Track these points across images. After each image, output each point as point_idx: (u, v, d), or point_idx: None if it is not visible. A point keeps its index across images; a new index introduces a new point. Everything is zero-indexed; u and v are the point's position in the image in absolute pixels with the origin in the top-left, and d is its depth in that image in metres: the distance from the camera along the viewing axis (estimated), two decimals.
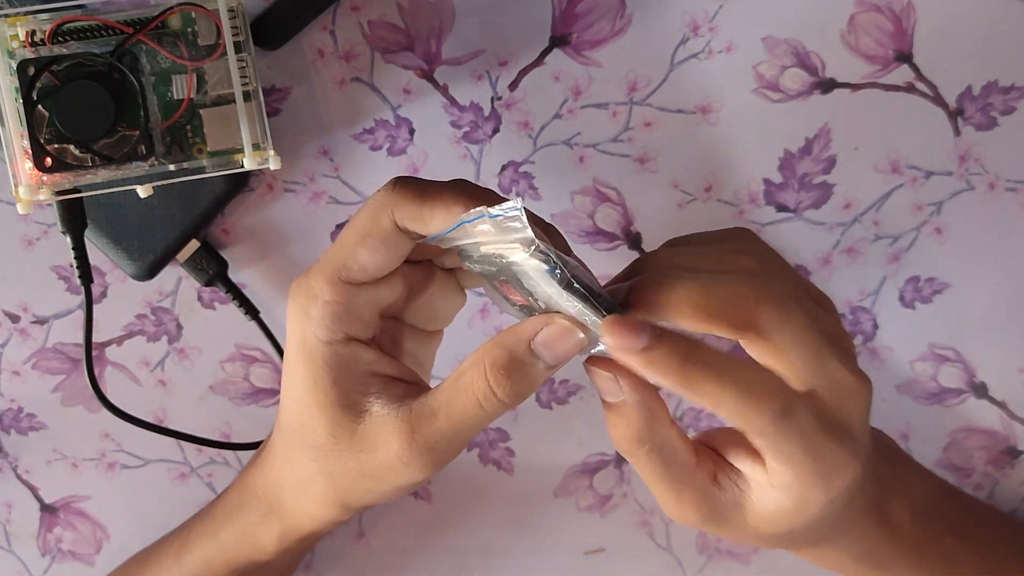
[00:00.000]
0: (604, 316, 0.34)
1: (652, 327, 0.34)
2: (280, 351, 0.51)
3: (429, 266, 0.42)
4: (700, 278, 0.35)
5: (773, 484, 0.37)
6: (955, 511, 0.49)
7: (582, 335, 0.36)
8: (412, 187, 0.37)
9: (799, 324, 0.35)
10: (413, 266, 0.41)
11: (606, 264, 0.51)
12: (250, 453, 0.53)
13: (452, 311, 0.44)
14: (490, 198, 0.36)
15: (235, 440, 0.53)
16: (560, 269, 0.34)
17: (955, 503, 0.50)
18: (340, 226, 0.51)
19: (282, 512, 0.44)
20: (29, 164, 0.42)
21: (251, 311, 0.51)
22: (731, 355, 0.35)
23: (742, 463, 0.38)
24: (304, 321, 0.39)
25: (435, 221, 0.37)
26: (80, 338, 0.50)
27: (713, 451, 0.39)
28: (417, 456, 0.38)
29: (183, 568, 0.47)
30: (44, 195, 0.43)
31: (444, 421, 0.37)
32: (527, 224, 0.33)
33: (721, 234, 0.40)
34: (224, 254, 0.51)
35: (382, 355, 0.40)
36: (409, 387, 0.40)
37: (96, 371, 0.50)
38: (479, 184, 0.39)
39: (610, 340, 0.34)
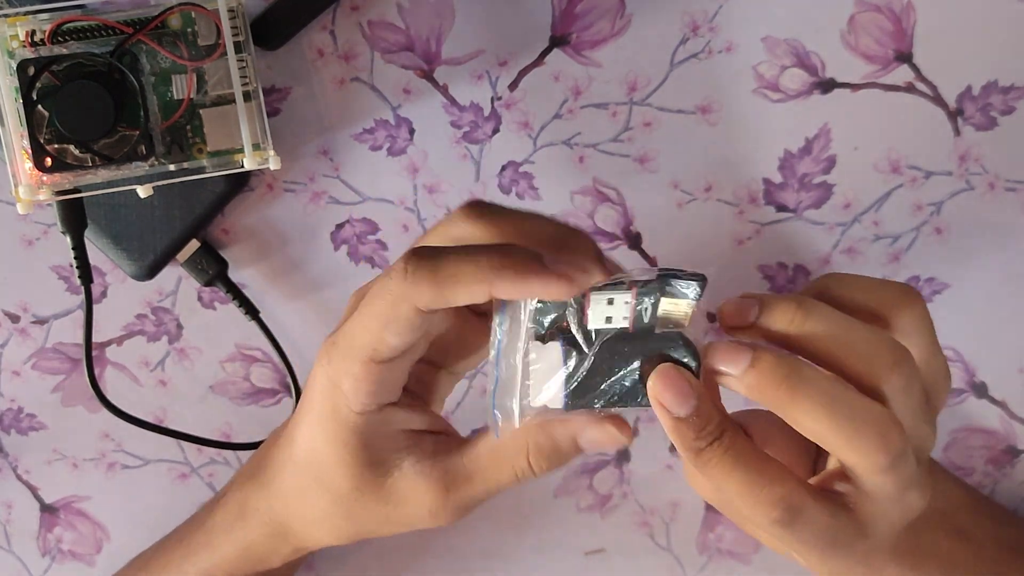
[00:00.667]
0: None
1: (750, 346, 0.34)
2: (280, 351, 0.51)
3: (462, 313, 0.40)
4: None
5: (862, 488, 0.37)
6: (956, 508, 0.49)
7: (623, 437, 0.37)
8: (427, 273, 0.35)
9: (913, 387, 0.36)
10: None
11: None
12: (250, 453, 0.53)
13: (483, 354, 0.43)
14: (510, 271, 0.34)
15: (235, 440, 0.53)
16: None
17: (954, 498, 0.50)
18: (340, 226, 0.51)
19: (290, 535, 0.44)
20: (29, 164, 0.42)
21: (251, 311, 0.51)
22: (836, 377, 0.35)
23: (846, 487, 0.38)
24: (334, 392, 0.38)
25: (459, 299, 0.35)
26: (80, 338, 0.50)
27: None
28: (450, 513, 0.39)
29: None
30: (44, 195, 0.43)
31: (480, 487, 0.39)
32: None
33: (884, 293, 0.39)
34: (224, 254, 0.51)
35: (411, 411, 0.40)
36: (438, 439, 0.40)
37: (96, 371, 0.50)
38: (490, 207, 0.38)
39: (713, 363, 0.35)
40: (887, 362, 0.35)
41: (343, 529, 0.41)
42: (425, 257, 0.35)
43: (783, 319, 0.35)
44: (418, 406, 0.40)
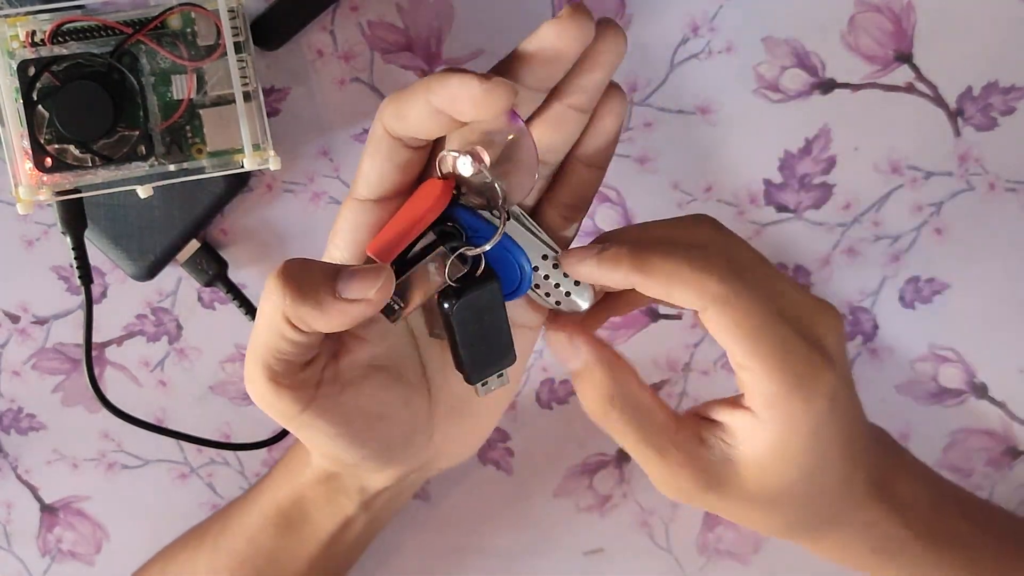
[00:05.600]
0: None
1: (597, 242, 0.37)
2: None
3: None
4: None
5: (754, 409, 0.37)
6: (963, 499, 0.49)
7: (386, 283, 0.34)
8: (399, 89, 0.35)
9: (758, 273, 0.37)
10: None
11: None
12: (251, 453, 0.53)
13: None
14: (442, 76, 0.33)
15: (235, 440, 0.53)
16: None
17: (960, 492, 0.50)
18: None
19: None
20: (29, 164, 0.42)
21: (251, 311, 0.51)
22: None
23: (723, 414, 0.38)
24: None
25: (411, 115, 0.34)
26: (80, 338, 0.50)
27: (695, 416, 0.40)
28: (266, 382, 0.37)
29: (244, 513, 0.48)
30: (44, 195, 0.43)
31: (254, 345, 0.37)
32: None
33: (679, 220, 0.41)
34: (224, 254, 0.51)
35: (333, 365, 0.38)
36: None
37: (96, 371, 0.50)
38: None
39: (568, 260, 0.37)
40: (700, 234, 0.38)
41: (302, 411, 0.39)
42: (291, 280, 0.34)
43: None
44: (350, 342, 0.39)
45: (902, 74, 0.50)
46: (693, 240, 0.37)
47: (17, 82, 0.41)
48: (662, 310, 0.52)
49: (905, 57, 0.50)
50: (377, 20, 0.49)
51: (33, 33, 0.42)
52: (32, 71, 0.41)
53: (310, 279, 0.34)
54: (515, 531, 0.54)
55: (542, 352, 0.53)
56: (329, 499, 0.46)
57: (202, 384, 0.53)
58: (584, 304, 0.39)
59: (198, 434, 0.51)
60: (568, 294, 0.38)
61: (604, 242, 0.38)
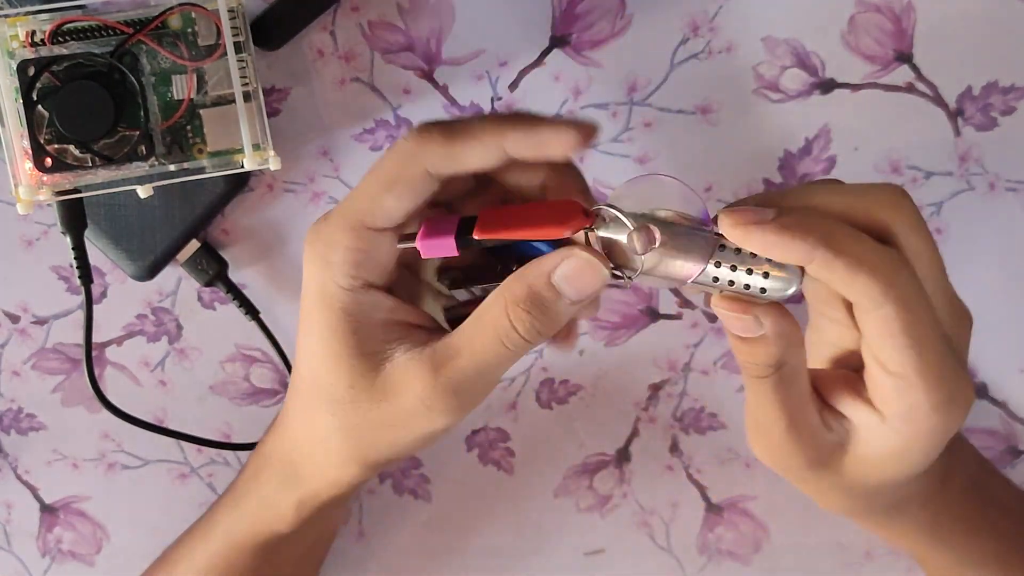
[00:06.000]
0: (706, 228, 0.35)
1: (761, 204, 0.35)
2: (280, 351, 0.51)
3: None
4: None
5: (888, 414, 0.36)
6: (999, 486, 0.49)
7: (605, 270, 0.35)
8: (440, 129, 0.36)
9: (929, 245, 0.36)
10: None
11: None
12: (250, 453, 0.53)
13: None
14: (523, 124, 0.36)
15: (235, 440, 0.53)
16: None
17: (998, 478, 0.50)
18: None
19: (299, 477, 0.42)
20: (29, 164, 0.42)
21: (251, 311, 0.51)
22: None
23: (848, 407, 0.37)
24: (323, 268, 0.38)
25: (470, 160, 0.36)
26: (80, 338, 0.50)
27: (817, 396, 0.38)
28: (440, 398, 0.37)
29: (209, 545, 0.46)
30: (44, 195, 0.43)
31: (467, 360, 0.36)
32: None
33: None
34: (224, 254, 0.51)
35: (402, 303, 0.39)
36: (431, 333, 0.39)
37: (96, 371, 0.50)
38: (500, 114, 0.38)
39: (733, 221, 0.34)
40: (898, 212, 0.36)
41: (347, 450, 0.40)
42: (436, 122, 0.36)
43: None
44: (408, 301, 0.39)
45: (902, 74, 0.50)
46: (878, 219, 0.35)
47: (17, 82, 0.41)
48: (662, 309, 0.52)
49: (905, 57, 0.50)
50: (377, 20, 0.49)
51: (33, 33, 0.42)
52: (32, 71, 0.41)
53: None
54: (515, 531, 0.54)
55: (542, 352, 0.53)
56: (315, 519, 0.44)
57: (202, 384, 0.53)
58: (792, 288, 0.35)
59: (198, 434, 0.51)
60: (766, 275, 0.35)
61: (770, 205, 0.35)
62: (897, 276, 0.34)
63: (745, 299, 0.35)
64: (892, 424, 0.36)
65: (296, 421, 0.42)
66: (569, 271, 0.35)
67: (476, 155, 0.35)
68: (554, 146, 0.35)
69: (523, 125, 0.35)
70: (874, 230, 0.35)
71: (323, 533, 0.49)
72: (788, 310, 0.36)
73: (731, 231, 0.34)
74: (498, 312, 0.36)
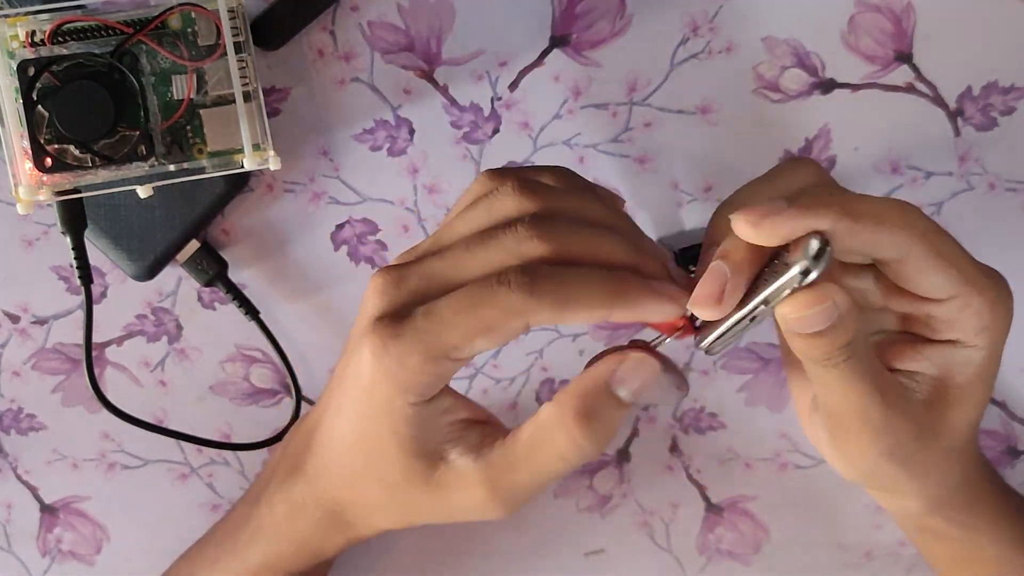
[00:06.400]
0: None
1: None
2: (280, 351, 0.51)
3: None
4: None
5: (964, 337, 0.37)
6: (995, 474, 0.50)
7: (655, 360, 0.36)
8: (551, 292, 0.35)
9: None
10: None
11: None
12: (250, 453, 0.53)
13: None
14: (631, 296, 0.36)
15: (235, 440, 0.53)
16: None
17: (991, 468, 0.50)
18: (340, 226, 0.51)
19: (345, 525, 0.43)
20: (29, 164, 0.42)
21: (251, 311, 0.51)
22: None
23: (916, 357, 0.39)
24: (388, 383, 0.37)
25: (578, 321, 0.36)
26: (80, 338, 0.50)
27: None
28: (500, 505, 0.38)
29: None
30: (44, 195, 0.43)
31: (526, 475, 0.38)
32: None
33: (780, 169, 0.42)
34: (224, 254, 0.51)
35: (456, 400, 0.39)
36: (484, 430, 0.39)
37: (96, 371, 0.50)
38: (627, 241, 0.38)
39: (751, 218, 0.35)
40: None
41: (397, 516, 0.41)
42: (548, 276, 0.35)
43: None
44: (459, 395, 0.40)
45: (902, 74, 0.50)
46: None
47: (17, 82, 0.41)
48: None
49: (905, 57, 0.50)
50: (377, 20, 0.49)
51: (33, 33, 0.42)
52: (32, 71, 0.41)
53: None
54: (515, 531, 0.54)
55: (542, 351, 0.53)
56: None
57: (202, 384, 0.53)
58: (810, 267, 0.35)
59: (198, 434, 0.51)
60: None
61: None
62: (911, 218, 0.36)
63: (818, 288, 0.35)
64: (970, 342, 0.37)
65: (344, 482, 0.42)
66: (625, 374, 0.36)
67: (585, 319, 0.36)
68: (657, 318, 0.36)
69: (630, 299, 0.36)
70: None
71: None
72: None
73: (750, 230, 0.35)
74: (559, 433, 0.36)
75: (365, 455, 0.40)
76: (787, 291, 0.35)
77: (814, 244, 0.34)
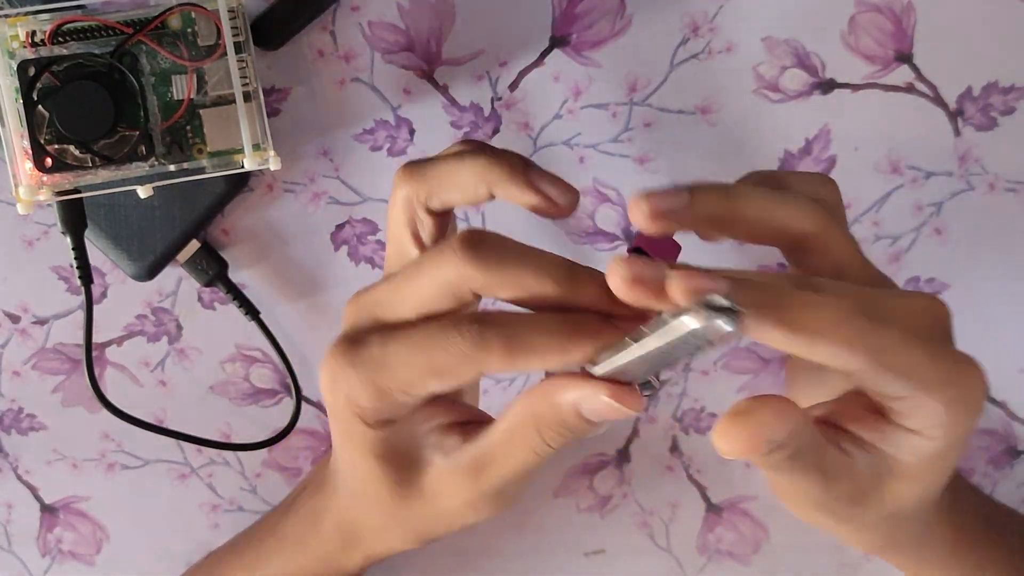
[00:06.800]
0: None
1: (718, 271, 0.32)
2: (280, 351, 0.51)
3: None
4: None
5: (913, 427, 0.34)
6: (987, 502, 0.50)
7: (630, 408, 0.33)
8: (502, 342, 0.33)
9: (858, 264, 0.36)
10: None
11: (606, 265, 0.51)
12: (251, 453, 0.53)
13: None
14: (596, 332, 0.33)
15: (235, 440, 0.53)
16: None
17: (982, 495, 0.50)
18: (340, 226, 0.51)
19: (360, 543, 0.44)
20: (29, 164, 0.42)
21: (251, 311, 0.51)
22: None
23: (865, 428, 0.36)
24: (349, 413, 0.37)
25: (532, 368, 0.34)
26: (80, 338, 0.50)
27: (827, 426, 0.37)
28: (486, 502, 0.38)
29: None
30: (44, 195, 0.43)
31: (504, 467, 0.37)
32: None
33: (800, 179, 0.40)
34: (224, 254, 0.51)
35: (437, 408, 0.38)
36: (466, 429, 0.39)
37: (96, 371, 0.50)
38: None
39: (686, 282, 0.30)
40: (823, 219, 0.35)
41: (407, 534, 0.42)
42: (499, 324, 0.34)
43: (715, 202, 0.35)
44: (444, 402, 0.39)
45: (902, 74, 0.50)
46: (799, 233, 0.35)
47: (17, 82, 0.41)
48: None
49: (905, 57, 0.50)
50: (377, 20, 0.49)
51: (33, 33, 0.42)
52: (32, 71, 0.41)
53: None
54: (515, 531, 0.54)
55: None
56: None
57: (202, 384, 0.53)
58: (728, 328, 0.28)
59: (198, 434, 0.51)
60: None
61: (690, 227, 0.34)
62: (854, 331, 0.32)
63: (751, 426, 0.32)
64: (924, 434, 0.35)
65: (352, 502, 0.42)
66: (594, 408, 0.34)
67: (539, 366, 0.34)
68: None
69: (589, 340, 0.33)
70: (799, 242, 0.35)
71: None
72: (778, 397, 0.33)
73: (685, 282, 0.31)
74: (529, 432, 0.35)
75: (356, 480, 0.40)
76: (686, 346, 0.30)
77: (718, 323, 0.28)
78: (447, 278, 0.34)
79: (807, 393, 0.42)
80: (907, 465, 0.36)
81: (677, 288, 0.30)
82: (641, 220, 0.33)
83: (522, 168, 0.37)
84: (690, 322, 0.28)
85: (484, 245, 0.34)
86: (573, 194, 0.37)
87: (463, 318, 0.34)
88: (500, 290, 0.34)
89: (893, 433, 0.36)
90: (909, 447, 0.35)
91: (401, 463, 0.38)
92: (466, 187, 0.37)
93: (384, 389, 0.36)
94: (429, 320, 0.35)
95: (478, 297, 0.35)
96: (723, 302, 0.28)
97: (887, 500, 0.37)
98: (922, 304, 0.36)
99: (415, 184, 0.38)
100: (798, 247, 0.36)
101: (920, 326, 0.35)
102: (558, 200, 0.37)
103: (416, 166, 0.38)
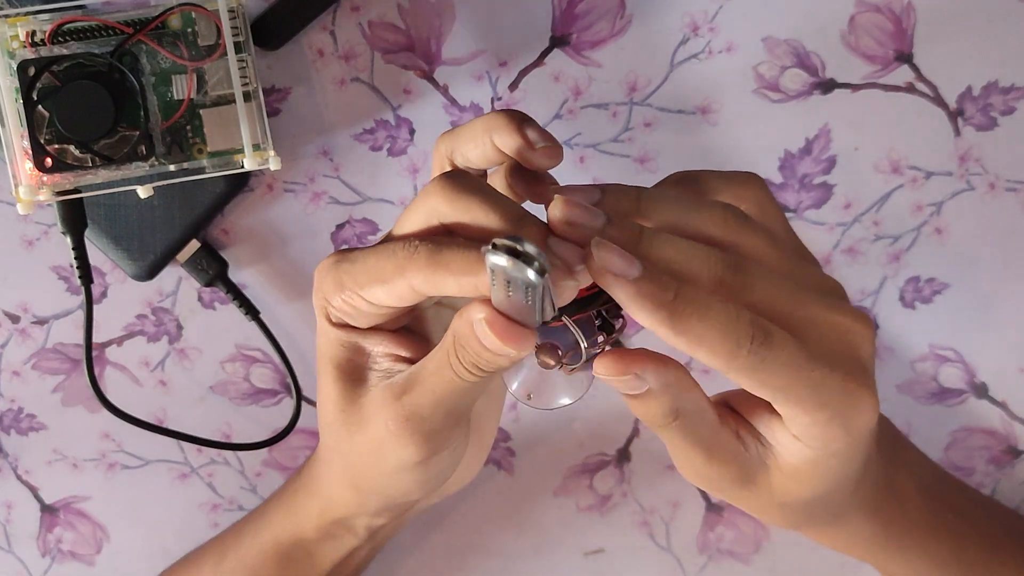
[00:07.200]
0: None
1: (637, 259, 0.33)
2: (280, 351, 0.51)
3: None
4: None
5: (794, 433, 0.36)
6: (954, 492, 0.50)
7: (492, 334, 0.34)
8: (426, 259, 0.35)
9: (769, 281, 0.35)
10: None
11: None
12: (251, 453, 0.53)
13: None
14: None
15: (235, 440, 0.53)
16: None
17: (952, 484, 0.51)
18: (340, 226, 0.51)
19: (318, 489, 0.45)
20: (29, 164, 0.42)
21: (251, 311, 0.51)
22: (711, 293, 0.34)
23: (760, 421, 0.38)
24: (319, 304, 0.39)
25: (452, 292, 0.35)
26: (80, 338, 0.50)
27: (730, 412, 0.39)
28: (402, 424, 0.37)
29: (241, 546, 0.49)
30: (44, 195, 0.43)
31: (424, 388, 0.37)
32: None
33: (724, 179, 0.40)
34: (224, 254, 0.51)
35: (397, 338, 0.39)
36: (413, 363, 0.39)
37: (96, 371, 0.50)
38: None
39: (605, 260, 0.32)
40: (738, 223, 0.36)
41: (342, 473, 0.42)
42: (433, 243, 0.35)
43: (626, 201, 0.36)
44: (407, 336, 0.40)
45: (902, 74, 0.50)
46: (716, 238, 0.35)
47: (17, 82, 0.41)
48: None
49: (905, 57, 0.50)
50: (377, 20, 0.49)
51: (33, 33, 0.42)
52: (32, 71, 0.41)
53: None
54: (515, 531, 0.54)
55: None
56: (333, 535, 0.46)
57: (202, 384, 0.53)
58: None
59: (198, 434, 0.51)
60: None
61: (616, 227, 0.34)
62: (739, 349, 0.33)
63: (623, 358, 0.35)
64: (803, 440, 0.36)
65: (320, 444, 0.44)
66: (483, 333, 0.34)
67: (455, 291, 0.35)
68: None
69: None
70: (717, 243, 0.35)
71: (339, 558, 0.49)
72: (670, 357, 0.35)
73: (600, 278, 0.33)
74: (448, 355, 0.36)
75: (319, 397, 0.40)
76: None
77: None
78: (428, 205, 0.36)
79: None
80: (789, 465, 0.37)
81: (552, 214, 0.33)
82: (556, 225, 0.34)
83: (517, 117, 0.38)
84: (496, 259, 0.30)
85: (456, 179, 0.36)
86: (553, 142, 0.38)
87: (415, 236, 0.36)
88: (458, 217, 0.35)
89: (780, 432, 0.37)
90: (791, 449, 0.37)
91: (350, 376, 0.39)
92: (475, 137, 0.38)
93: (340, 284, 0.37)
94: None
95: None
96: (531, 251, 0.29)
97: (774, 490, 0.38)
98: (843, 325, 0.36)
99: (445, 141, 0.39)
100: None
101: (829, 344, 0.36)
102: (536, 142, 0.38)
103: (451, 130, 0.40)
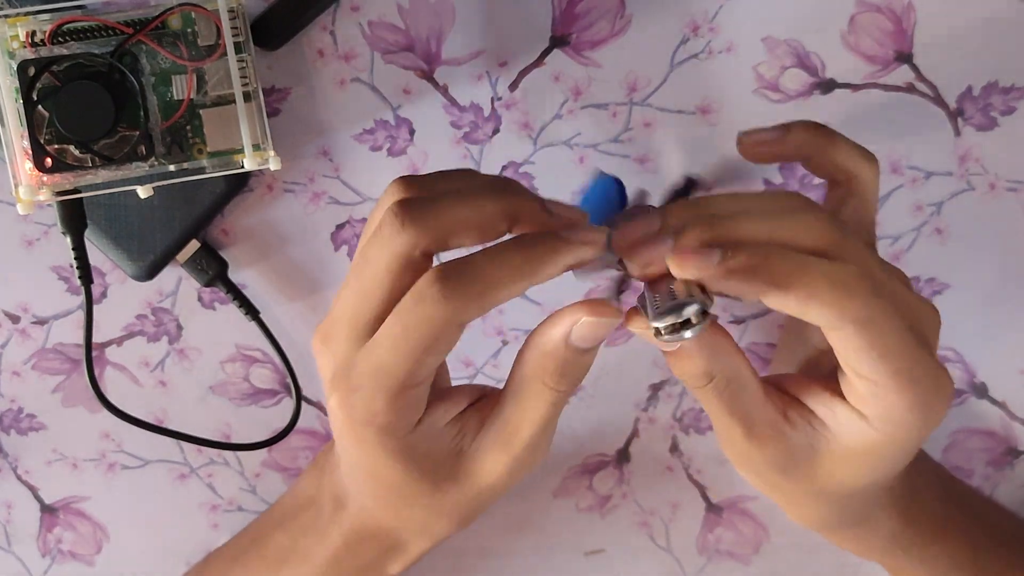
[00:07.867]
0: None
1: (716, 246, 0.34)
2: (280, 351, 0.51)
3: None
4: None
5: (864, 412, 0.35)
6: (961, 492, 0.50)
7: (609, 317, 0.36)
8: (466, 289, 0.34)
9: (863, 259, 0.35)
10: None
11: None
12: (251, 453, 0.53)
13: None
14: (549, 250, 0.35)
15: (235, 440, 0.53)
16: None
17: (958, 484, 0.51)
18: (340, 226, 0.51)
19: (409, 547, 0.44)
20: (29, 164, 0.42)
21: (251, 311, 0.51)
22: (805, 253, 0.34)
23: (818, 400, 0.37)
24: (373, 433, 0.37)
25: (503, 301, 0.35)
26: (80, 338, 0.50)
27: (781, 392, 0.38)
28: (523, 462, 0.39)
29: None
30: (44, 195, 0.43)
31: (530, 430, 0.38)
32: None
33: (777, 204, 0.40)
34: (224, 254, 0.51)
35: (446, 402, 0.39)
36: (478, 408, 0.40)
37: (96, 371, 0.50)
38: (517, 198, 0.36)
39: (680, 267, 0.33)
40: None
41: (447, 522, 0.42)
42: (456, 271, 0.34)
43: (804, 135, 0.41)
44: (447, 393, 0.39)
45: (902, 74, 0.50)
46: (815, 240, 0.35)
47: (17, 82, 0.41)
48: None
49: (905, 57, 0.50)
50: (377, 20, 0.49)
51: (33, 33, 0.42)
52: (32, 71, 0.41)
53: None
54: (515, 531, 0.54)
55: None
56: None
57: (202, 384, 0.53)
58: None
59: (198, 434, 0.51)
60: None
61: (700, 225, 0.34)
62: (851, 299, 0.33)
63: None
64: (872, 423, 0.36)
65: (381, 512, 0.42)
66: (583, 332, 0.36)
67: (509, 296, 0.35)
68: (576, 261, 0.36)
69: (546, 260, 0.35)
70: (813, 250, 0.35)
71: None
72: (725, 332, 0.36)
73: (680, 269, 0.34)
74: (537, 387, 0.37)
75: (393, 489, 0.40)
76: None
77: (689, 309, 0.33)
78: (394, 252, 0.35)
79: (790, 360, 0.42)
80: (844, 448, 0.37)
81: (674, 267, 0.34)
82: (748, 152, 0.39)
83: (542, 201, 0.37)
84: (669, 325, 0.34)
85: (415, 203, 0.35)
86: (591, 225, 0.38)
87: (420, 284, 0.34)
88: (450, 238, 0.35)
89: (842, 412, 0.36)
90: (852, 430, 0.36)
91: (431, 460, 0.39)
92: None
93: (394, 390, 0.36)
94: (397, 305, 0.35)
95: (429, 257, 0.35)
96: (692, 309, 0.34)
97: (817, 477, 0.37)
98: (927, 307, 0.36)
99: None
100: (842, 187, 0.40)
101: (917, 323, 0.35)
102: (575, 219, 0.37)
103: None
